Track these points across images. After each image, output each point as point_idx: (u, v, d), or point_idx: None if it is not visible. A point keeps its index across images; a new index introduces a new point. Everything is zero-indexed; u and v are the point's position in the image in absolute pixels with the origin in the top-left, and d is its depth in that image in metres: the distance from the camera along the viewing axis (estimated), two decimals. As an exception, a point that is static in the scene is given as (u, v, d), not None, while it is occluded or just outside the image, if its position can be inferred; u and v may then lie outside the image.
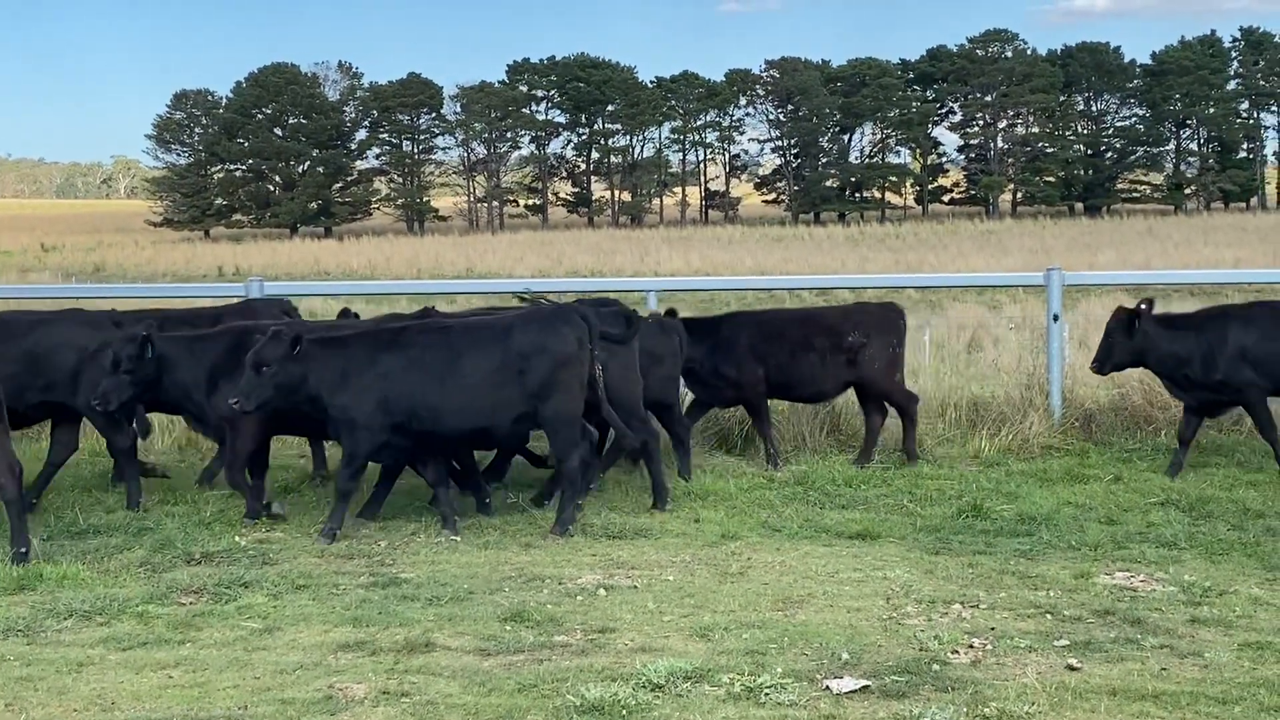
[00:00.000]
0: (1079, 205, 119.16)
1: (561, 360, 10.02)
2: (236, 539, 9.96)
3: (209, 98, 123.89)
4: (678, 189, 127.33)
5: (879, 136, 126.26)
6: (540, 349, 10.00)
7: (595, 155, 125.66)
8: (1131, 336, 11.83)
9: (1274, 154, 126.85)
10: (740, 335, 12.62)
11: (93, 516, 10.67)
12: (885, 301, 13.37)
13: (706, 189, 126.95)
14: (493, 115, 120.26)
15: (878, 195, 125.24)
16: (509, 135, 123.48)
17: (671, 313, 12.44)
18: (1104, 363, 12.04)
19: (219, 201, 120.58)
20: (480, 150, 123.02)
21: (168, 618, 8.02)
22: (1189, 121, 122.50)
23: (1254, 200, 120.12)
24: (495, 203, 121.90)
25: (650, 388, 11.51)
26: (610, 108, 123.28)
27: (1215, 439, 12.62)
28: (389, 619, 7.90)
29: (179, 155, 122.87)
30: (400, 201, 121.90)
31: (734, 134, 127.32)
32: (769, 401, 12.72)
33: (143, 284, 44.08)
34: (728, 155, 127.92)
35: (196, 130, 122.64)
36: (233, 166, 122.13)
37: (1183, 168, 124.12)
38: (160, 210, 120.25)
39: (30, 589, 8.65)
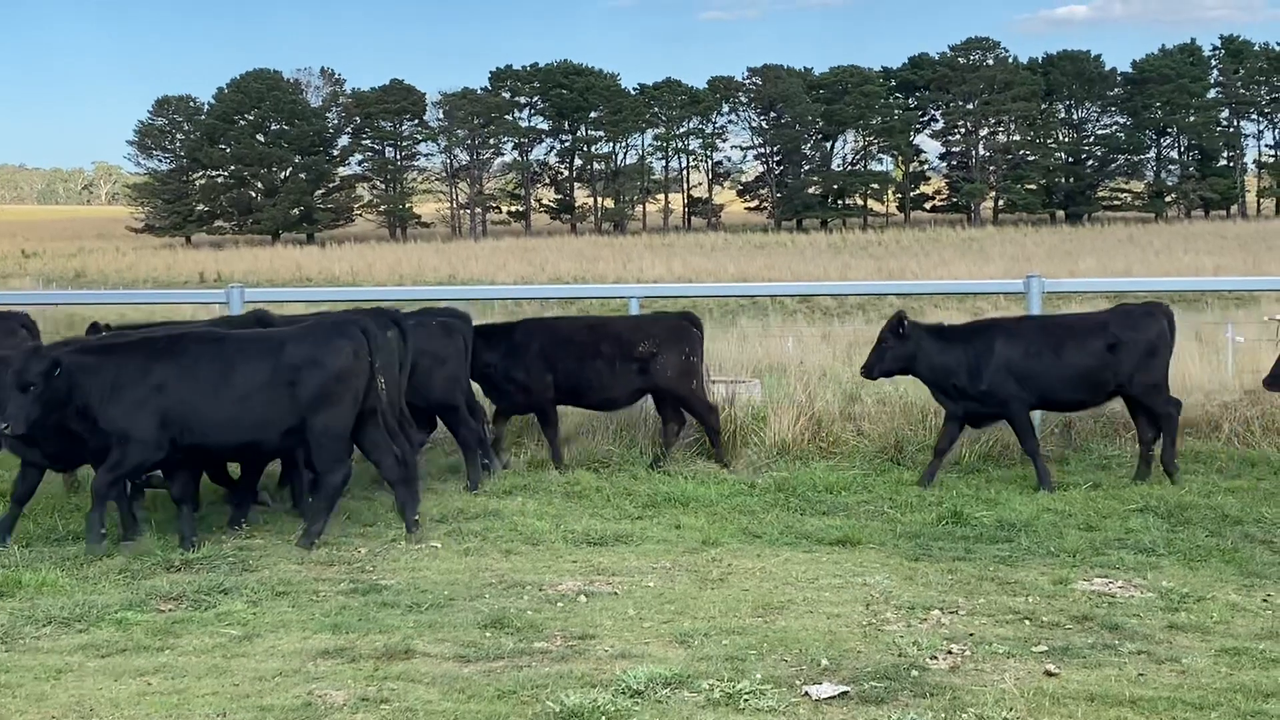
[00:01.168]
0: (1060, 213, 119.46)
1: (334, 374, 9.85)
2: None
3: (191, 103, 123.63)
4: (660, 196, 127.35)
5: (861, 144, 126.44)
6: (312, 362, 9.83)
7: (578, 162, 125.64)
8: (903, 344, 12.02)
9: (1254, 162, 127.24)
10: (531, 341, 12.73)
11: (72, 523, 10.62)
12: (681, 311, 13.62)
13: (689, 196, 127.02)
14: (475, 122, 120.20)
15: (860, 202, 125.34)
16: (492, 142, 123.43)
17: (463, 316, 12.59)
18: (873, 368, 12.21)
19: (200, 208, 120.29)
20: (463, 157, 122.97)
21: (146, 625, 8.00)
22: (1169, 129, 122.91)
23: (1234, 208, 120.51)
24: (478, 209, 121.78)
25: (434, 389, 11.75)
26: (593, 114, 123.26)
27: (1195, 447, 12.66)
28: (369, 626, 7.89)
29: (160, 161, 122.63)
30: (383, 208, 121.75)
31: (717, 141, 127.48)
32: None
33: (123, 290, 43.98)
34: (710, 162, 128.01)
35: (178, 136, 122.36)
36: (214, 172, 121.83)
37: (1163, 175, 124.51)
38: (141, 216, 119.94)
39: (9, 596, 8.63)
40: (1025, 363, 11.86)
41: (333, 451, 9.94)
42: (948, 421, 12.14)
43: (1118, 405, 12.72)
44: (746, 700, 6.55)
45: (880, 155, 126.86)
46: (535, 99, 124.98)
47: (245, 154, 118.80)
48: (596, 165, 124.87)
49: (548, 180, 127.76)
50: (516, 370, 12.71)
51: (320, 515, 10.05)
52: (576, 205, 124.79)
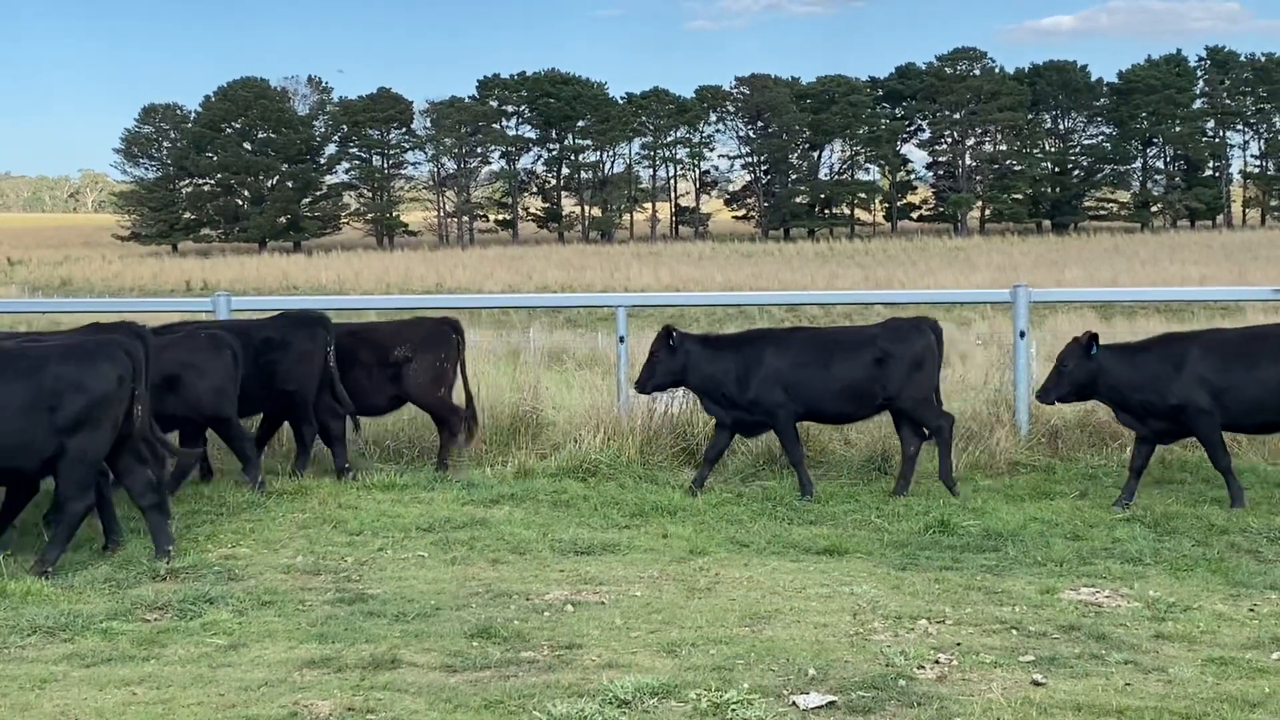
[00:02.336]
0: (1046, 222, 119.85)
1: (96, 399, 9.51)
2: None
3: (178, 112, 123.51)
4: (648, 205, 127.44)
5: (848, 153, 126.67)
6: (75, 386, 9.47)
7: (565, 171, 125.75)
8: (674, 356, 12.09)
9: (1239, 172, 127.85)
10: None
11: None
12: (441, 317, 13.65)
13: (676, 205, 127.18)
14: (463, 130, 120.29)
15: (847, 212, 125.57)
16: (479, 150, 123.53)
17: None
18: (646, 382, 12.31)
19: (187, 216, 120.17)
20: (450, 165, 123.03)
21: (132, 634, 7.97)
22: (1155, 140, 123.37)
23: (1220, 218, 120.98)
24: (465, 218, 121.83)
25: (202, 402, 11.82)
26: (580, 123, 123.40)
27: (1181, 456, 12.68)
28: (355, 635, 7.87)
29: (147, 169, 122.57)
30: (370, 216, 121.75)
31: (704, 150, 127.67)
32: None
33: (109, 298, 43.91)
34: (698, 171, 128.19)
35: (165, 144, 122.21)
36: (201, 181, 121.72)
37: (1149, 186, 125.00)
38: (128, 224, 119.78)
39: (-7, 605, 8.59)
40: (793, 373, 11.94)
41: (83, 478, 9.55)
42: (718, 430, 12.28)
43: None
44: (734, 710, 6.54)
45: (867, 165, 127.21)
46: (523, 108, 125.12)
47: (232, 162, 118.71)
48: (584, 174, 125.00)
49: (535, 189, 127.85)
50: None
51: (59, 542, 9.62)
52: (564, 214, 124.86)
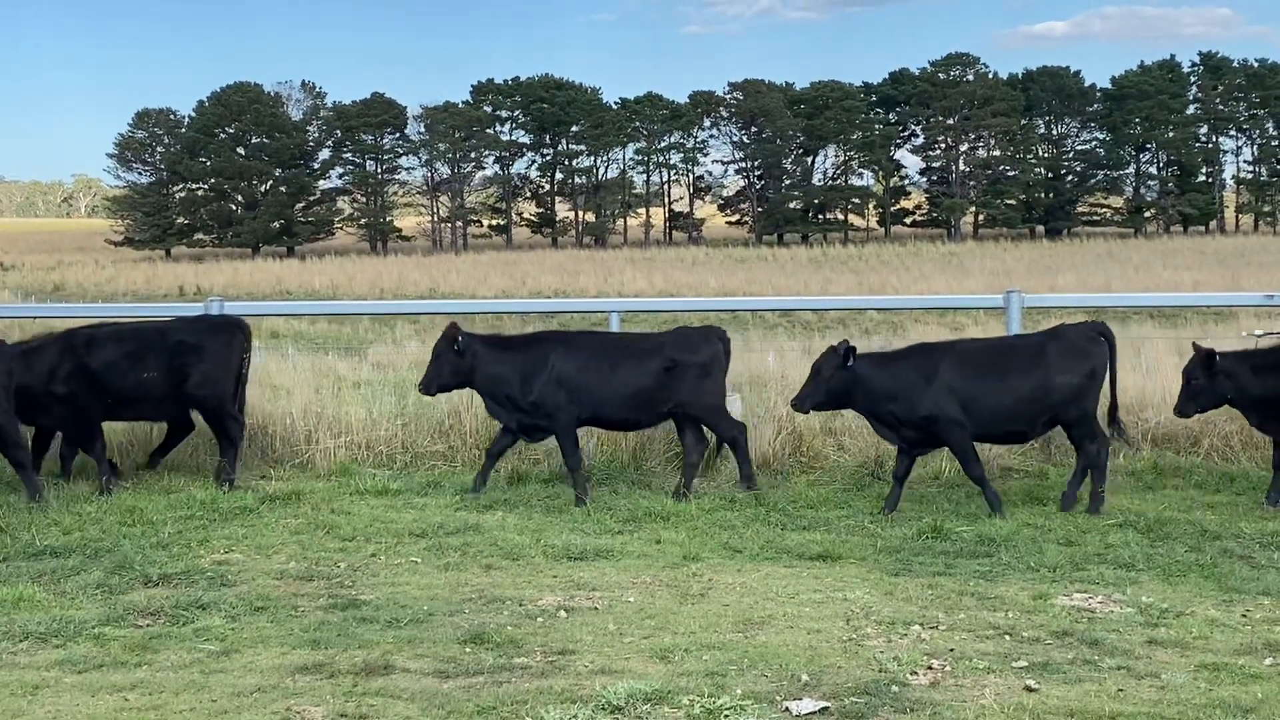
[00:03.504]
0: (1040, 228, 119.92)
1: None
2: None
3: (171, 116, 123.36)
4: (642, 210, 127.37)
5: (842, 159, 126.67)
6: None
7: (559, 176, 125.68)
8: (462, 357, 12.06)
9: (1232, 178, 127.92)
10: (66, 356, 12.54)
11: (49, 538, 10.58)
12: (232, 318, 13.48)
13: (670, 210, 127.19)
14: (457, 135, 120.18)
15: (840, 217, 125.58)
16: (473, 155, 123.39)
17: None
18: (431, 383, 12.23)
19: (180, 221, 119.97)
20: (444, 170, 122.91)
21: (124, 640, 7.96)
22: (1149, 145, 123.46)
23: (1213, 224, 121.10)
24: (459, 223, 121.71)
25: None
26: (574, 128, 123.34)
27: (1174, 462, 12.69)
28: (348, 641, 7.87)
29: (140, 174, 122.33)
30: (363, 221, 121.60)
31: (698, 155, 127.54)
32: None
33: (102, 303, 43.86)
34: (692, 176, 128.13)
35: (158, 149, 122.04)
36: (195, 185, 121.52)
37: (1142, 191, 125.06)
38: (121, 229, 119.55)
39: (-15, 611, 8.58)
40: (579, 377, 11.94)
41: None
42: (501, 433, 12.32)
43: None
44: (727, 716, 6.54)
45: (861, 170, 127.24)
46: (516, 113, 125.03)
47: (225, 167, 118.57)
48: (578, 179, 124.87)
49: (529, 194, 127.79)
50: (57, 385, 12.48)
51: None
52: (558, 219, 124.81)
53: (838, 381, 11.45)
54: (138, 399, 12.64)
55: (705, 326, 12.63)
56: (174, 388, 12.63)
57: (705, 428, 12.34)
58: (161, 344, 12.69)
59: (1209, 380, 11.53)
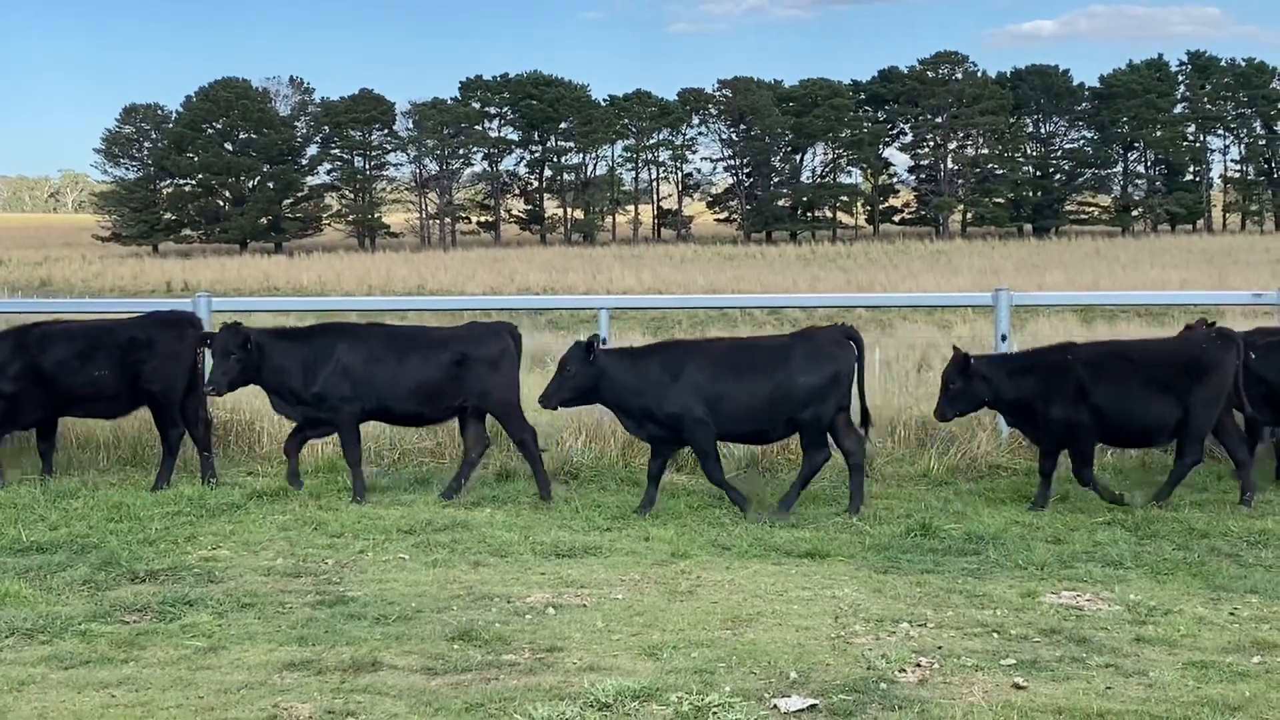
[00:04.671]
0: (1028, 226, 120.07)
1: None
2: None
3: (159, 112, 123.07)
4: (630, 207, 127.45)
5: (830, 156, 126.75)
6: None
7: (548, 173, 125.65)
8: (247, 354, 11.90)
9: (1220, 177, 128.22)
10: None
11: (35, 533, 10.55)
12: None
13: (659, 207, 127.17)
14: (445, 132, 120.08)
15: (829, 215, 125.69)
16: (461, 152, 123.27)
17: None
18: (220, 383, 11.96)
19: (168, 216, 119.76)
20: (432, 167, 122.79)
21: (111, 636, 7.94)
22: (1136, 144, 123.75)
23: (1200, 223, 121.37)
24: (447, 219, 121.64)
25: None
26: (563, 125, 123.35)
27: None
28: (335, 638, 7.85)
29: (128, 169, 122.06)
30: (351, 218, 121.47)
31: (686, 153, 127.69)
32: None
33: (89, 299, 43.76)
34: (680, 174, 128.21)
35: (146, 144, 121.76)
36: (182, 181, 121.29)
37: (1130, 190, 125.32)
38: (108, 225, 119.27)
39: (-29, 607, 8.55)
40: (364, 369, 11.86)
41: None
42: (294, 431, 12.27)
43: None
44: (715, 713, 6.53)
45: (849, 168, 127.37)
46: (505, 109, 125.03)
47: (213, 163, 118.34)
48: (566, 176, 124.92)
49: (517, 191, 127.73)
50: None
51: None
52: (546, 216, 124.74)
53: (584, 377, 11.43)
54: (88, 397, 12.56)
55: (497, 322, 12.54)
56: (129, 385, 12.54)
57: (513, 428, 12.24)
58: (112, 341, 12.61)
59: (965, 384, 11.62)
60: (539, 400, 11.71)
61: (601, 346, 11.61)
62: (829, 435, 11.45)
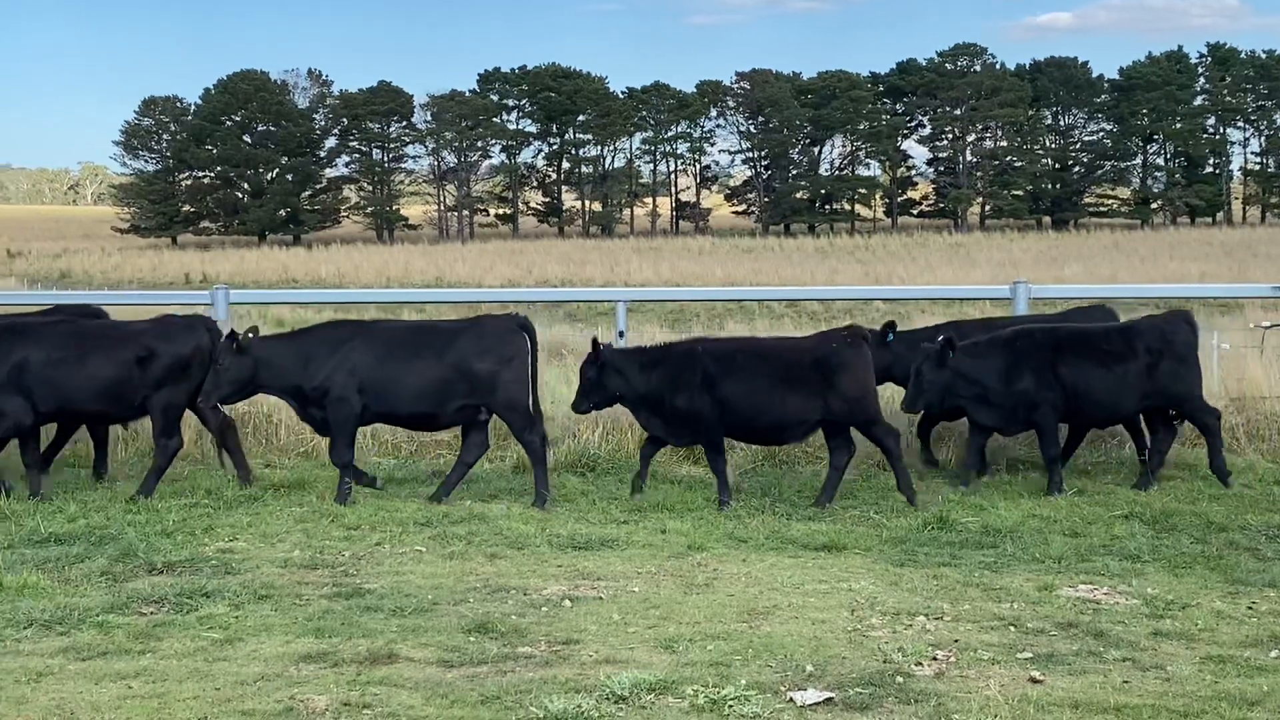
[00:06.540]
0: (1046, 219, 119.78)
1: None
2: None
3: (178, 104, 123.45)
4: (648, 199, 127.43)
5: (849, 149, 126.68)
6: None
7: (566, 165, 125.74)
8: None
9: (1240, 169, 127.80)
10: None
11: (53, 525, 10.57)
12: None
13: (677, 200, 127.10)
14: (463, 124, 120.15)
15: (847, 207, 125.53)
16: (479, 144, 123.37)
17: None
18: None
19: (186, 208, 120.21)
20: (450, 159, 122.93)
21: (128, 628, 7.96)
22: (1156, 136, 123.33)
23: (1220, 215, 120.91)
24: (465, 212, 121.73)
25: None
26: (581, 118, 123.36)
27: (1180, 454, 12.66)
28: (352, 630, 7.86)
29: (147, 162, 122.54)
30: (370, 210, 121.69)
31: (705, 145, 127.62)
32: None
33: (108, 290, 43.87)
34: (698, 166, 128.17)
35: (165, 137, 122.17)
36: (201, 173, 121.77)
37: (1149, 182, 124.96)
38: (127, 217, 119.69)
39: (-10, 598, 8.58)
40: (44, 370, 11.56)
41: None
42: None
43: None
44: (731, 706, 6.52)
45: (868, 160, 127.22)
46: (523, 101, 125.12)
47: (232, 155, 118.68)
48: (584, 168, 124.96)
49: (535, 183, 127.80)
50: None
51: None
52: (564, 208, 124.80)
53: (241, 367, 11.39)
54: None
55: (192, 316, 12.41)
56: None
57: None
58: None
59: (599, 376, 11.65)
60: (197, 400, 11.71)
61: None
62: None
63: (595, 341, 11.76)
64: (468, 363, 11.47)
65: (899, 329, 12.68)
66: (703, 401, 11.32)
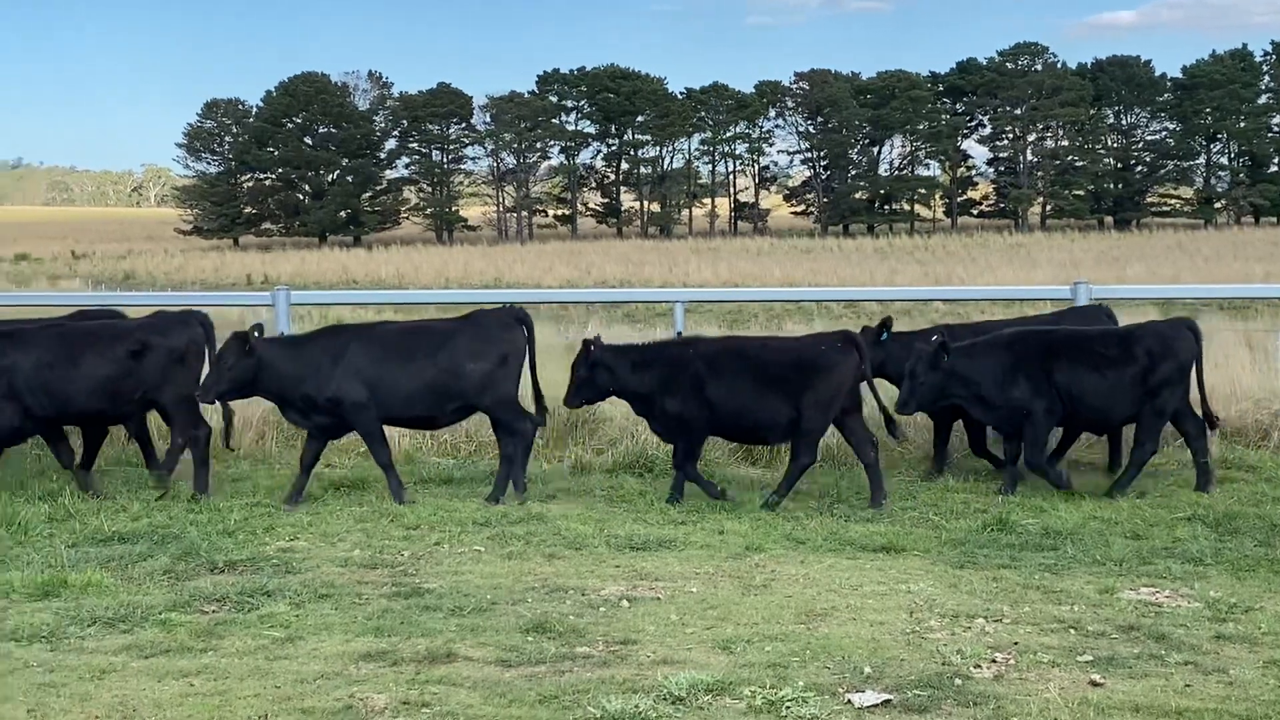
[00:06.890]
0: (1108, 219, 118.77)
1: None
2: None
3: (239, 106, 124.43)
4: (707, 200, 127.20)
5: (908, 149, 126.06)
6: None
7: (624, 166, 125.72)
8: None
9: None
10: None
11: (117, 524, 10.69)
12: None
13: (735, 200, 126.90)
14: (522, 125, 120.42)
15: (906, 208, 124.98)
16: (538, 145, 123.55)
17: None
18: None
19: (248, 210, 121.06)
20: (509, 160, 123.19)
21: (190, 626, 8.04)
22: (1219, 135, 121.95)
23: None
24: (524, 213, 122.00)
25: None
26: (640, 118, 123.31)
27: (1243, 456, 12.54)
28: (411, 629, 7.90)
29: (209, 164, 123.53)
30: (429, 211, 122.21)
31: (763, 145, 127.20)
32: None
33: (171, 291, 44.31)
34: (757, 167, 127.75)
35: (227, 139, 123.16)
36: (262, 175, 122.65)
37: (1213, 182, 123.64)
38: (190, 218, 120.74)
39: (54, 596, 8.68)
40: (39, 374, 11.49)
41: None
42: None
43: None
44: (789, 708, 6.52)
45: (927, 160, 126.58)
46: (582, 102, 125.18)
47: (293, 157, 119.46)
48: (643, 169, 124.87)
49: (594, 184, 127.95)
50: None
51: None
52: (623, 209, 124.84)
53: (243, 369, 11.33)
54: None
55: (187, 311, 12.29)
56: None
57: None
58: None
59: (590, 373, 11.61)
60: (195, 395, 11.69)
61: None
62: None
63: (585, 340, 11.78)
64: (461, 364, 11.48)
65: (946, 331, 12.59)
66: (691, 403, 11.36)
